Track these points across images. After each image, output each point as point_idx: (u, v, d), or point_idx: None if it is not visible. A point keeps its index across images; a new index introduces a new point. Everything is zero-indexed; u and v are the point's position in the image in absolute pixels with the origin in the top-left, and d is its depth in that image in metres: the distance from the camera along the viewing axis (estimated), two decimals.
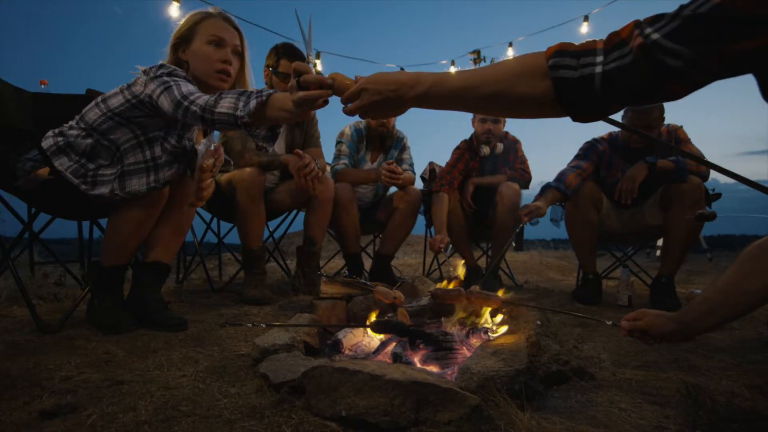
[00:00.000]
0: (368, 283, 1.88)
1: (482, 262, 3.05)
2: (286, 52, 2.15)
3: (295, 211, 2.58)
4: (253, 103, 1.15)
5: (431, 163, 3.33)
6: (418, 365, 1.13)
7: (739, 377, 1.16)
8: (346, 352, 1.34)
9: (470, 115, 2.73)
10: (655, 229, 2.24)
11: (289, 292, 2.17)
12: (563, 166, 2.38)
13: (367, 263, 2.84)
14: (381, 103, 0.86)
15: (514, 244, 2.86)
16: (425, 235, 3.24)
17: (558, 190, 2.23)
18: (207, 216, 2.49)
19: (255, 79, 2.19)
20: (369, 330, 1.40)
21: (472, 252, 2.74)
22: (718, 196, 2.03)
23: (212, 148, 1.39)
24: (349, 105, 0.91)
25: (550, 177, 2.38)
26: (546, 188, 2.29)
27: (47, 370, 1.10)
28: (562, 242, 6.54)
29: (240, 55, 1.54)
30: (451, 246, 2.60)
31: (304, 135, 2.38)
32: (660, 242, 3.37)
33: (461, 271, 1.75)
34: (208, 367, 1.17)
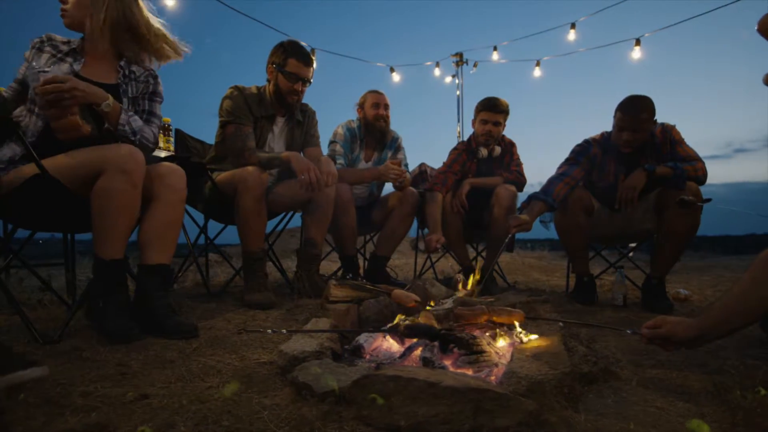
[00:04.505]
0: (378, 286, 1.86)
1: (475, 263, 3.07)
2: (295, 52, 2.08)
3: (291, 212, 2.51)
4: None
5: (423, 164, 3.33)
6: (451, 369, 1.13)
7: (749, 373, 1.21)
8: (368, 357, 1.31)
9: (454, 120, 2.72)
10: (647, 233, 2.29)
11: (292, 295, 2.11)
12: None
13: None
14: None
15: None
16: (417, 236, 3.23)
17: (545, 203, 2.21)
18: (201, 218, 2.39)
19: (260, 74, 2.09)
20: (389, 335, 1.39)
21: (467, 252, 2.75)
22: (708, 200, 2.10)
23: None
24: None
25: (545, 180, 2.37)
26: (532, 199, 2.25)
27: (60, 384, 1.01)
28: (539, 242, 6.72)
29: None
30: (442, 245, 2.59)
31: (305, 135, 2.33)
32: (633, 244, 3.50)
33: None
34: (232, 377, 1.11)
